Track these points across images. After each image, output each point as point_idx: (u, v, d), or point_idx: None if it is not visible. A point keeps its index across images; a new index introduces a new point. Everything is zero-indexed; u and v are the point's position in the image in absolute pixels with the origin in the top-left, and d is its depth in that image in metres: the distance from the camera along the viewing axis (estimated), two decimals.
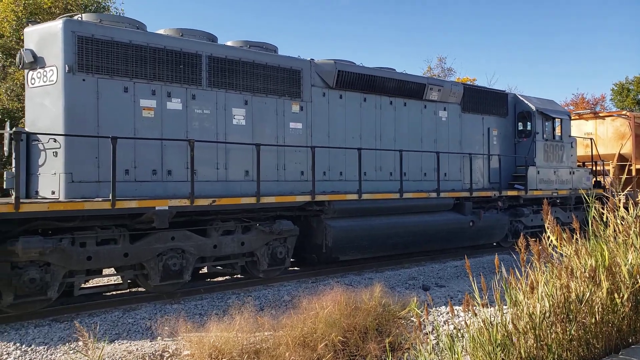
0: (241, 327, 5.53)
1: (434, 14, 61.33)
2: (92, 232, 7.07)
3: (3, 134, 7.39)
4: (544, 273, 4.33)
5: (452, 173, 11.49)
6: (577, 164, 14.24)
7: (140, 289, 8.07)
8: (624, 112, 16.27)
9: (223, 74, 8.40)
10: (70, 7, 16.22)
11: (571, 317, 4.14)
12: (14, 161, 7.36)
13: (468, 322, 4.17)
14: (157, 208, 7.26)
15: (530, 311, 4.00)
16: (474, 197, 11.29)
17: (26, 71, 7.48)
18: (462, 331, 4.50)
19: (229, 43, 8.98)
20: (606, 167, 15.25)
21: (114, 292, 7.87)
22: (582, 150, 14.98)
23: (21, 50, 7.35)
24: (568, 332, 4.09)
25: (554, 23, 61.90)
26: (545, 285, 4.20)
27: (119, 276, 7.87)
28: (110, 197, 6.85)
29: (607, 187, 14.41)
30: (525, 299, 4.11)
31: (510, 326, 3.96)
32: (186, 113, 8.05)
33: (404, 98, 10.73)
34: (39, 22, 7.60)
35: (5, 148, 7.38)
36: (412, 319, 6.33)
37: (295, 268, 9.92)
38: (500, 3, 61.09)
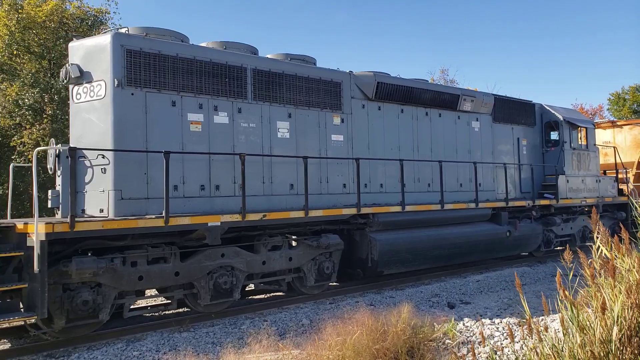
0: (261, 357, 5.01)
1: (431, 22, 62.07)
2: (143, 250, 6.73)
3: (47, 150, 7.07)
4: (600, 288, 3.81)
5: (486, 183, 11.28)
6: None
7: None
8: None
9: (267, 87, 8.18)
10: (66, 21, 15.96)
11: None
12: (58, 179, 7.09)
13: (528, 345, 3.65)
14: (209, 224, 6.95)
15: (604, 337, 3.50)
16: (509, 207, 11.08)
17: (71, 86, 7.20)
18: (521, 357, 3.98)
19: (269, 56, 8.78)
20: (621, 175, 15.14)
21: (164, 312, 7.51)
22: (601, 159, 14.88)
23: (67, 65, 7.07)
24: None
25: (552, 35, 62.95)
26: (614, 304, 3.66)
27: (163, 297, 7.55)
28: (163, 214, 6.55)
29: (628, 194, 14.29)
30: (597, 321, 3.60)
31: (581, 353, 3.44)
32: (232, 127, 7.79)
33: (439, 109, 10.56)
34: (84, 37, 7.35)
35: (50, 165, 7.05)
36: (445, 340, 5.89)
37: (335, 283, 9.58)
38: (501, 15, 62.03)
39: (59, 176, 7.01)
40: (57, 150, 6.90)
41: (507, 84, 58.52)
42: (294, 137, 8.45)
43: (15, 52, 15.77)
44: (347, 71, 9.29)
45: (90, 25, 17.04)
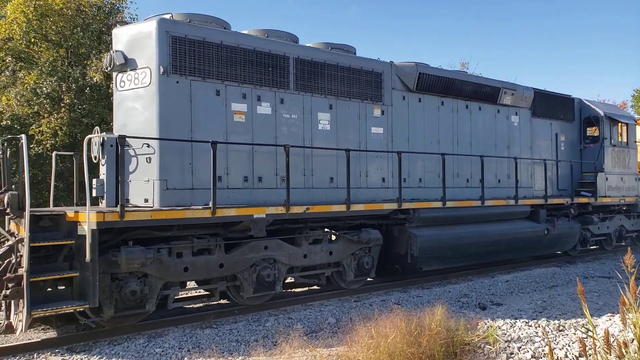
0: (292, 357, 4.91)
1: (452, 16, 61.69)
2: (188, 241, 6.87)
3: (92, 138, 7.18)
4: None
5: (523, 180, 11.28)
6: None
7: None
8: None
9: (309, 77, 8.24)
10: (83, 9, 16.13)
11: None
12: (102, 168, 7.22)
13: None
14: (255, 216, 7.07)
15: None
16: (547, 204, 11.10)
17: (114, 74, 7.32)
18: None
19: (309, 45, 8.84)
20: None
21: (206, 304, 7.67)
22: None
23: (111, 52, 7.18)
24: None
25: (574, 31, 62.39)
26: None
27: (202, 289, 7.69)
28: (210, 205, 6.68)
29: None
30: None
31: None
32: (275, 117, 7.88)
33: (478, 102, 10.57)
34: (127, 23, 7.46)
35: (94, 154, 7.18)
36: (482, 344, 5.69)
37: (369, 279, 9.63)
38: (523, 10, 61.48)
39: (102, 165, 7.14)
40: (102, 139, 7.03)
41: (528, 78, 58.24)
42: (334, 129, 8.53)
43: (32, 40, 15.96)
44: (388, 61, 9.34)
45: (107, 13, 17.20)
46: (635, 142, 13.57)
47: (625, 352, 3.20)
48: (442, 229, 9.20)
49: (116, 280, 6.31)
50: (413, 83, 9.43)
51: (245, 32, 8.14)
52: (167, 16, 7.30)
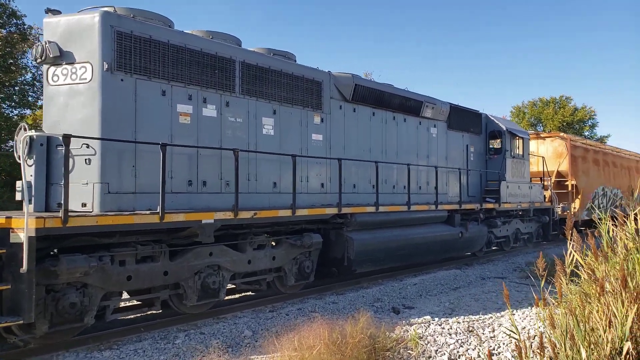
0: None
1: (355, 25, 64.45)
2: (132, 249, 6.59)
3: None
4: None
5: (440, 187, 12.38)
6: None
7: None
8: (561, 134, 18.83)
9: (254, 81, 8.33)
10: None
11: None
12: (30, 169, 6.64)
13: None
14: (203, 221, 6.99)
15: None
16: (461, 209, 12.31)
17: (46, 67, 6.76)
18: None
19: (253, 49, 8.91)
20: (545, 183, 17.46)
21: (148, 313, 7.35)
22: None
23: (43, 42, 6.64)
24: None
25: (461, 46, 68.96)
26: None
27: (133, 299, 7.34)
28: (157, 210, 6.48)
29: (550, 200, 16.55)
30: (607, 336, 3.50)
31: None
32: (220, 121, 7.85)
33: (404, 114, 11.42)
34: (59, 11, 6.94)
35: (19, 153, 6.56)
36: (401, 349, 5.77)
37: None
38: (417, 21, 66.27)
39: (30, 166, 6.56)
40: (30, 137, 6.46)
41: (416, 88, 63.21)
42: (277, 135, 8.70)
43: None
44: (327, 71, 9.74)
45: None
46: (529, 154, 15.55)
47: (558, 352, 3.42)
48: (374, 233, 9.79)
49: (52, 292, 5.87)
50: (349, 93, 9.94)
51: (188, 32, 8.01)
52: (109, 9, 6.95)
